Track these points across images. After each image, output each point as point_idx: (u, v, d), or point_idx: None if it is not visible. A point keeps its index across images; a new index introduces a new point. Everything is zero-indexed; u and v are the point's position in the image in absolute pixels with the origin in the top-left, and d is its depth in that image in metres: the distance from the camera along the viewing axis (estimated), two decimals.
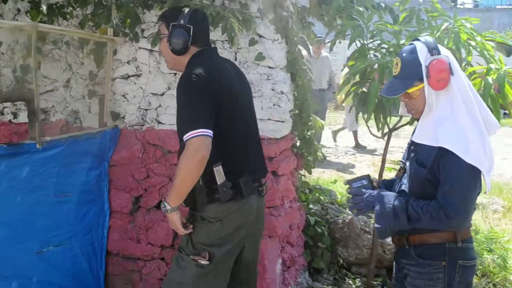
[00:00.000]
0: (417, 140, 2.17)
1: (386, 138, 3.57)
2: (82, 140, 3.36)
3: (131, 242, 3.67)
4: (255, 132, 2.68)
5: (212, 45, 2.72)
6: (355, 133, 8.93)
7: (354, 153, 8.65)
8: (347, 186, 2.33)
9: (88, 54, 3.78)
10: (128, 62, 3.68)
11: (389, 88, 2.19)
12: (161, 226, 3.55)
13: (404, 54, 2.14)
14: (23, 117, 3.99)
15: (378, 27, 3.48)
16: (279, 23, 3.35)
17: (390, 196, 2.15)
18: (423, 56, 2.08)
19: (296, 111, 3.65)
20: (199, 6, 3.03)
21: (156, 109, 3.61)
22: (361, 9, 3.57)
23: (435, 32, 3.31)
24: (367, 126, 3.53)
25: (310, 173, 4.02)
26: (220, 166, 2.36)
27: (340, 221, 4.12)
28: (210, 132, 2.25)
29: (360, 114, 3.34)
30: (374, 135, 3.58)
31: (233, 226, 2.45)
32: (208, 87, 2.34)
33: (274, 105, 3.37)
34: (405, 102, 2.22)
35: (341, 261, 4.04)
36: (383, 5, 3.77)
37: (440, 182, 2.05)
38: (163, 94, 3.60)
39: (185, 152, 2.24)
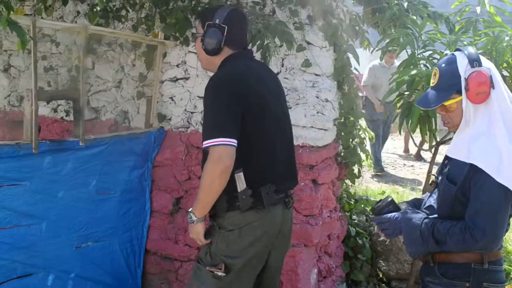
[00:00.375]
0: (450, 154, 2.08)
1: (433, 151, 3.46)
2: (126, 139, 3.44)
3: (169, 243, 3.72)
4: (287, 141, 2.56)
5: (249, 48, 2.64)
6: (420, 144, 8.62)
7: (413, 164, 8.41)
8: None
9: (140, 56, 3.88)
10: (177, 65, 3.74)
11: (424, 99, 2.10)
12: None
13: (443, 65, 2.05)
14: None
15: (431, 36, 3.38)
16: (328, 30, 3.32)
17: (416, 219, 2.08)
18: (463, 67, 1.98)
19: (342, 120, 3.61)
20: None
21: (201, 112, 3.64)
22: (415, 18, 3.49)
23: (490, 43, 3.19)
24: (411, 137, 3.43)
25: (353, 183, 3.96)
26: (242, 173, 2.28)
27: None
28: (233, 142, 2.17)
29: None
30: (419, 147, 3.48)
31: (253, 236, 2.33)
32: (235, 92, 2.26)
33: (317, 112, 3.34)
34: (441, 115, 2.13)
35: (381, 275, 3.94)
36: (440, 14, 3.67)
37: (469, 202, 1.96)
38: None
39: (208, 161, 2.18)
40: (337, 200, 3.85)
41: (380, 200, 2.29)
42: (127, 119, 4.00)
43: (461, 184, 1.98)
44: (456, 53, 2.06)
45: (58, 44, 4.18)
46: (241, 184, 2.28)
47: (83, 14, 4.05)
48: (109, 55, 4.01)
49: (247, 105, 2.27)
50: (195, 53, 3.65)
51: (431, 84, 2.11)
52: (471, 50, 2.03)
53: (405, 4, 3.63)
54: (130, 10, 3.81)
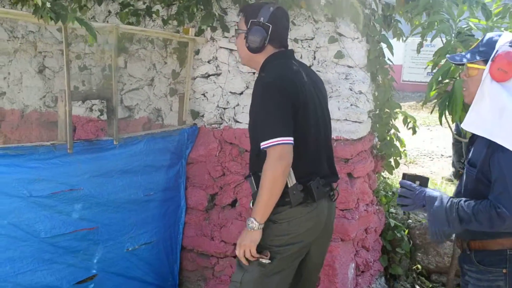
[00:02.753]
0: (467, 128, 2.05)
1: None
2: (160, 138, 3.44)
3: (205, 239, 3.72)
4: (327, 136, 2.57)
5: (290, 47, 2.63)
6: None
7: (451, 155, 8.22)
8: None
9: (172, 53, 3.88)
10: (208, 62, 3.72)
11: (456, 55, 2.14)
12: (234, 224, 3.57)
13: (488, 34, 2.08)
14: None
15: (468, 23, 3.28)
16: (359, 21, 3.25)
17: (442, 198, 2.04)
18: (502, 42, 1.99)
19: (376, 112, 3.54)
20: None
21: (234, 108, 3.63)
22: (451, 4, 3.39)
23: None
24: (450, 128, 3.34)
25: (391, 174, 3.89)
26: (291, 169, 2.27)
27: (422, 226, 3.94)
28: (291, 140, 2.20)
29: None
30: (459, 138, 3.39)
31: (301, 229, 2.36)
32: (285, 92, 2.26)
33: (351, 105, 3.28)
34: (463, 81, 2.14)
35: (420, 268, 3.87)
36: (476, 0, 3.56)
37: (492, 180, 1.92)
38: (241, 93, 3.61)
39: (268, 162, 2.19)
40: (373, 193, 3.79)
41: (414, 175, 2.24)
42: (160, 116, 4.02)
43: (480, 166, 1.98)
44: (506, 32, 2.08)
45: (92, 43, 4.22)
46: (291, 180, 2.30)
47: (114, 14, 4.08)
48: (141, 53, 4.03)
49: (296, 105, 2.28)
50: (227, 48, 3.64)
51: (471, 47, 2.13)
52: None
53: None
54: (161, 7, 3.82)
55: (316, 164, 2.43)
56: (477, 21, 3.28)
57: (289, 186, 2.29)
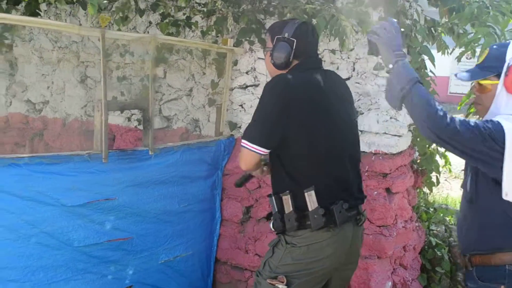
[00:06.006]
0: None
1: None
2: (196, 148, 3.43)
3: (240, 252, 3.68)
4: (354, 153, 2.46)
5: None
6: None
7: None
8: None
9: (210, 64, 3.88)
10: (247, 72, 3.70)
11: (465, 73, 2.06)
12: (269, 238, 3.51)
13: (494, 46, 2.02)
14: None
15: None
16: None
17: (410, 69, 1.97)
18: (511, 54, 1.93)
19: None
20: (315, 9, 2.98)
21: None
22: (497, 14, 3.27)
23: None
24: None
25: (431, 191, 3.76)
26: (313, 191, 2.21)
27: None
28: (261, 150, 2.25)
29: None
30: None
31: (321, 254, 2.26)
32: (280, 103, 2.23)
33: (391, 118, 3.19)
34: (475, 97, 2.07)
35: None
36: None
37: None
38: None
39: (239, 155, 2.35)
40: (413, 209, 3.67)
41: None
42: (198, 127, 4.01)
43: None
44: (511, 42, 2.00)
45: (132, 53, 4.26)
46: (312, 203, 2.22)
47: (155, 24, 4.11)
48: (180, 63, 4.04)
49: (300, 116, 2.24)
50: (264, 59, 3.61)
51: (477, 62, 2.06)
52: None
53: (486, 1, 3.41)
54: (200, 18, 3.83)
55: (340, 184, 2.32)
56: None
57: (310, 209, 2.22)
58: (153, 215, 3.20)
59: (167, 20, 3.90)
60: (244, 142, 2.26)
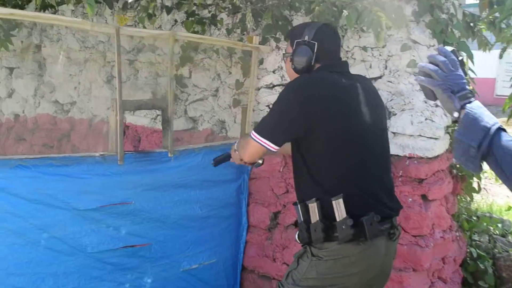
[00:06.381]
0: None
1: None
2: (219, 150, 3.25)
3: (267, 260, 3.50)
4: (385, 161, 2.27)
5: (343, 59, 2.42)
6: None
7: None
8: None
9: (236, 63, 3.71)
10: (273, 71, 3.52)
11: None
12: (297, 246, 3.28)
13: None
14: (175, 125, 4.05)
15: None
16: (436, 27, 2.92)
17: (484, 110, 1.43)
18: None
19: (455, 127, 3.18)
20: (344, 2, 2.78)
21: None
22: None
23: None
24: None
25: (471, 198, 3.49)
26: (341, 199, 2.01)
27: (510, 257, 3.51)
28: (272, 147, 2.13)
29: None
30: None
31: (349, 270, 2.07)
32: (300, 99, 2.07)
33: (426, 119, 2.95)
34: None
35: None
36: None
37: None
38: None
39: (243, 146, 2.31)
40: (453, 217, 3.41)
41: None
42: (224, 128, 3.85)
43: None
44: None
45: (155, 52, 4.14)
46: (340, 212, 2.02)
47: (180, 23, 3.97)
48: (206, 62, 3.89)
49: (324, 113, 2.07)
50: None
51: None
52: None
53: None
54: (226, 16, 3.67)
55: (372, 194, 2.12)
56: None
57: (338, 220, 2.02)
58: (173, 221, 3.05)
59: (192, 19, 3.76)
60: (254, 135, 2.16)
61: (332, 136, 2.07)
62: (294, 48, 2.26)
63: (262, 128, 2.16)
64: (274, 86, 3.51)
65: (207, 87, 3.91)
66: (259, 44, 3.40)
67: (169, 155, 2.94)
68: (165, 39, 2.98)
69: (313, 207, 2.09)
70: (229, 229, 3.49)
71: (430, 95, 1.54)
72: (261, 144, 2.13)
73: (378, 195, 2.14)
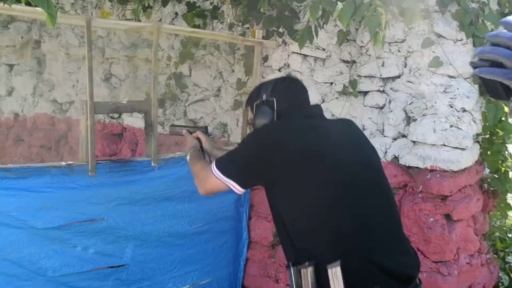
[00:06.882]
0: None
1: None
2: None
3: (269, 281, 3.13)
4: (381, 204, 1.76)
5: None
6: None
7: None
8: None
9: (240, 60, 3.34)
10: (279, 69, 3.14)
11: None
12: None
13: None
14: None
15: None
16: (464, 18, 2.49)
17: None
18: None
19: (486, 136, 2.74)
20: None
21: None
22: None
23: None
24: None
25: (505, 216, 3.04)
26: (339, 268, 1.54)
27: None
28: (238, 189, 1.87)
29: None
30: None
31: None
32: (262, 145, 1.78)
33: (451, 126, 2.52)
34: None
35: None
36: None
37: None
38: None
39: (202, 176, 2.00)
40: (484, 237, 2.97)
41: None
42: (226, 132, 3.48)
43: None
44: None
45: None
46: (337, 283, 1.56)
47: (181, 15, 3.62)
48: (207, 59, 3.52)
49: (292, 159, 1.70)
50: (299, 54, 3.03)
51: None
52: None
53: None
54: (230, 7, 3.30)
55: (378, 255, 1.61)
56: None
57: None
58: (155, 238, 2.70)
59: (193, 11, 3.40)
60: (217, 173, 1.86)
61: (305, 187, 1.68)
62: (254, 112, 1.98)
63: (225, 169, 1.87)
64: None
65: (208, 86, 3.55)
66: (263, 38, 3.02)
67: (153, 164, 2.58)
68: (150, 32, 2.61)
69: (306, 273, 1.63)
70: (227, 245, 3.13)
71: (500, 91, 0.97)
72: (225, 184, 1.88)
73: (390, 256, 1.65)
